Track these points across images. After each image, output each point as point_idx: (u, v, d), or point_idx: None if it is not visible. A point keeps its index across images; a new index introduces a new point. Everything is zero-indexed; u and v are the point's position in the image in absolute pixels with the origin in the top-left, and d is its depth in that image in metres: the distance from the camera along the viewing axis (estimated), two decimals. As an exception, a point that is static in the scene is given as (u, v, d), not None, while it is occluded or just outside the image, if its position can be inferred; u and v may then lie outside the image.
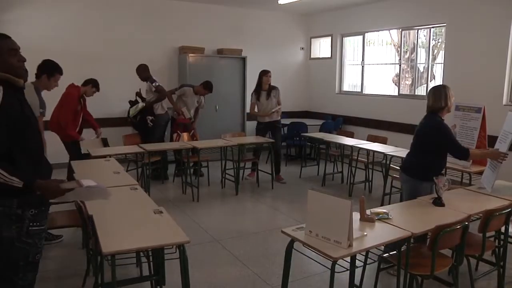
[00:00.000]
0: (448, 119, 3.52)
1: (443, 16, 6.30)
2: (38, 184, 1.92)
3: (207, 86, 6.35)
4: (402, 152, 4.71)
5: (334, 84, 8.52)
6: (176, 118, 6.38)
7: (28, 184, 1.91)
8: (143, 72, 6.25)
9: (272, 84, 6.25)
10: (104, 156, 4.58)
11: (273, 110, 6.17)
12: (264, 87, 6.19)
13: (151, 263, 2.93)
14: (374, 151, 5.55)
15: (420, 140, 3.36)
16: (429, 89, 6.60)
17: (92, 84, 5.08)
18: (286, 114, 8.66)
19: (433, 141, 3.26)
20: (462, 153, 3.27)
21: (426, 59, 6.91)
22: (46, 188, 1.96)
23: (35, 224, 2.05)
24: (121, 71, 6.97)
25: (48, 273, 3.20)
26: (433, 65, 6.86)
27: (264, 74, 6.20)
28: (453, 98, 3.33)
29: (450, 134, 3.28)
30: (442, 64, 6.43)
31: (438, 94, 3.32)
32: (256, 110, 6.31)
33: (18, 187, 1.89)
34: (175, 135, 6.23)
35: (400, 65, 7.32)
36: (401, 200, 3.80)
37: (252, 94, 6.33)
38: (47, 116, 4.34)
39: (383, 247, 2.74)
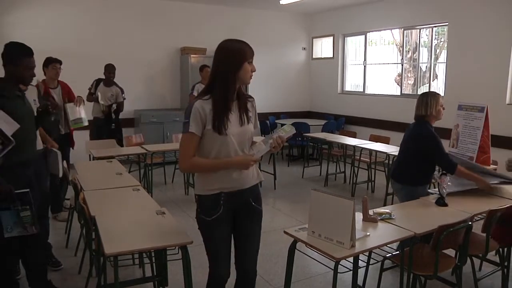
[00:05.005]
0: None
1: (445, 15, 6.28)
2: None
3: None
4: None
5: (336, 84, 8.51)
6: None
7: None
8: (113, 73, 6.01)
9: (247, 88, 2.83)
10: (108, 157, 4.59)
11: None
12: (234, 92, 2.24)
13: (154, 264, 2.93)
14: (376, 151, 5.53)
15: (411, 147, 3.33)
16: (430, 90, 6.62)
17: (43, 64, 4.63)
18: (288, 114, 8.68)
19: (423, 150, 3.23)
20: (450, 166, 3.17)
21: (428, 59, 6.89)
22: None
23: None
24: (123, 72, 6.97)
25: (51, 275, 3.20)
26: (436, 64, 6.85)
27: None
28: (438, 107, 3.25)
29: (440, 145, 3.21)
30: (445, 64, 6.42)
31: (419, 101, 3.30)
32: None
33: None
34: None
35: (402, 65, 7.30)
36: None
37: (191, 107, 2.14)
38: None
39: (386, 247, 2.73)
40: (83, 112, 4.88)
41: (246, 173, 2.18)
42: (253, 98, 2.29)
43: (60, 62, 4.71)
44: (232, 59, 2.11)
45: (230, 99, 2.12)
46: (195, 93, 6.32)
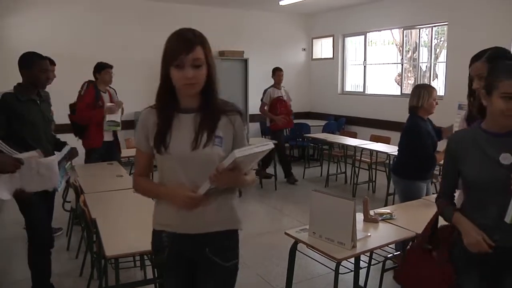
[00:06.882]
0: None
1: (445, 15, 6.28)
2: None
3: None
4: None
5: (336, 84, 8.50)
6: None
7: None
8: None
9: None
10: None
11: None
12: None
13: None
14: (377, 151, 5.54)
15: (403, 141, 3.38)
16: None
17: (96, 69, 4.68)
18: (288, 115, 8.67)
19: (411, 143, 3.27)
20: (429, 158, 3.20)
21: (428, 58, 6.89)
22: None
23: None
24: (122, 74, 6.96)
25: (52, 277, 3.20)
26: (436, 64, 6.85)
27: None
28: (431, 100, 3.23)
29: (423, 139, 3.20)
30: (445, 63, 6.41)
31: (413, 92, 3.32)
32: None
33: None
34: None
35: (402, 65, 7.30)
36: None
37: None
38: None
39: (387, 247, 2.73)
40: (119, 117, 4.66)
41: (200, 213, 1.58)
42: (237, 111, 1.67)
43: (111, 67, 4.74)
44: (162, 60, 1.61)
45: (169, 111, 1.60)
46: (267, 100, 6.14)
